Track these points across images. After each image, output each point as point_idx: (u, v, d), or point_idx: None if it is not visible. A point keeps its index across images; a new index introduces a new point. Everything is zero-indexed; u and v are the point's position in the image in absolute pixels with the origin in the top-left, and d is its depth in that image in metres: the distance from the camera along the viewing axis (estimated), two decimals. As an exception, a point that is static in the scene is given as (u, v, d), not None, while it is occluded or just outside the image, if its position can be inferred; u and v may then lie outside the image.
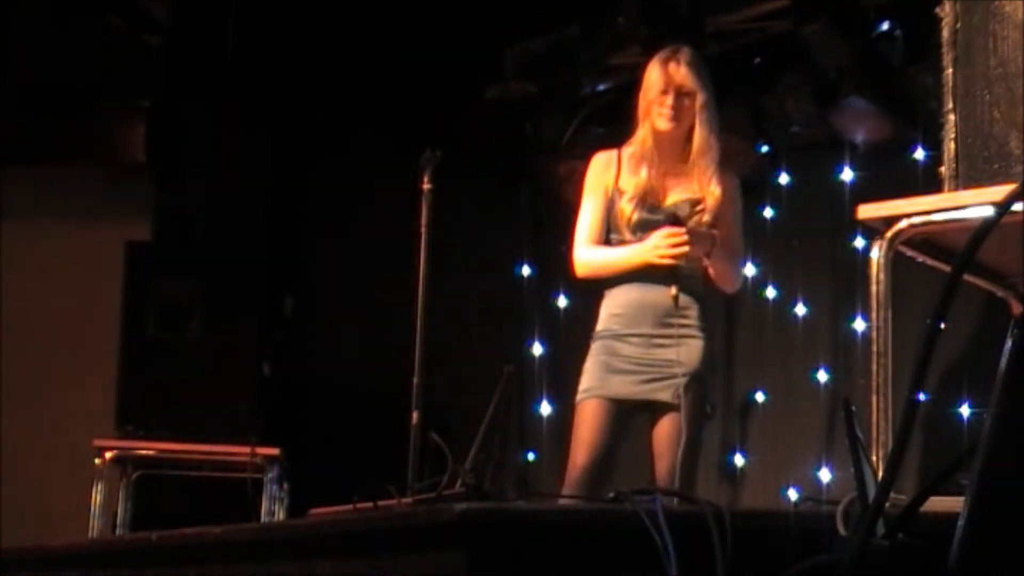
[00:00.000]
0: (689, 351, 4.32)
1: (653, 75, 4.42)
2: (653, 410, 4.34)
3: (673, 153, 4.43)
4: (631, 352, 4.35)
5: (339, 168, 7.06)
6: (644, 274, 4.38)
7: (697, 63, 4.42)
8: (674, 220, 4.33)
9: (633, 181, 4.42)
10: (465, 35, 6.76)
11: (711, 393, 4.41)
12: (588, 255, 4.45)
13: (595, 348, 4.43)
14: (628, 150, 4.48)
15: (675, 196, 4.40)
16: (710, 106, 4.39)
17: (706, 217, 4.36)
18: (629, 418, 4.38)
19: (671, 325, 4.32)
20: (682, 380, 4.28)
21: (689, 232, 4.29)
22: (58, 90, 6.86)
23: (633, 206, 4.40)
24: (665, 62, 4.40)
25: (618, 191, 4.44)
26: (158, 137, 7.12)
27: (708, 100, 4.38)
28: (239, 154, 7.11)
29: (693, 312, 4.37)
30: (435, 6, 6.89)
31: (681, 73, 4.37)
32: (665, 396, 4.29)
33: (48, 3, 6.69)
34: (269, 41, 7.26)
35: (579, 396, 4.41)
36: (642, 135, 4.43)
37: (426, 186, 4.66)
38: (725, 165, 4.48)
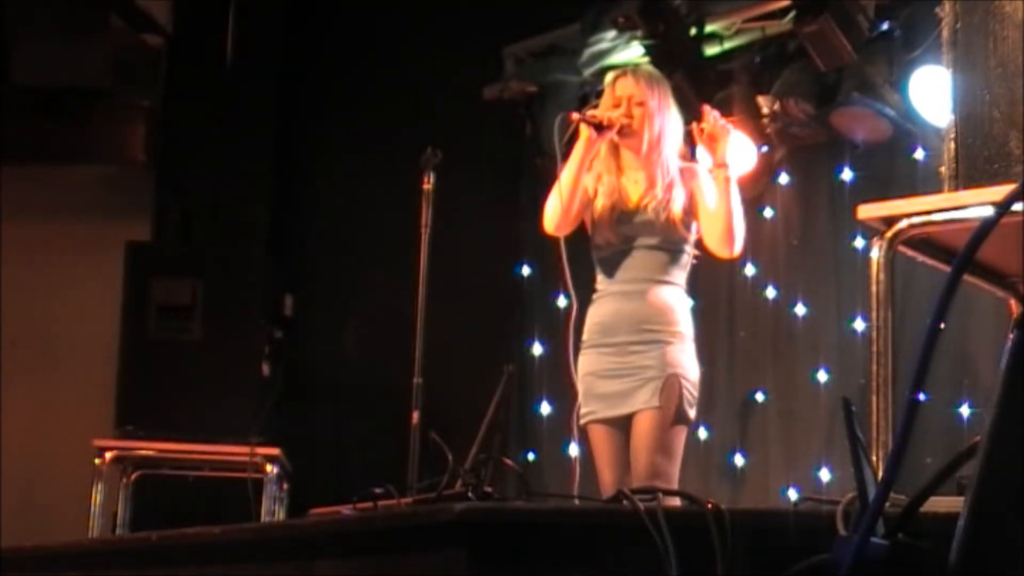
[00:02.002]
0: (663, 355, 4.32)
1: (607, 89, 4.53)
2: (636, 413, 4.35)
3: (636, 160, 4.47)
4: (608, 363, 4.39)
5: (339, 168, 7.06)
6: (623, 282, 4.42)
7: (650, 78, 4.52)
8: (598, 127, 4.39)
9: (603, 190, 4.48)
10: (465, 35, 6.76)
11: (691, 398, 4.34)
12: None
13: (580, 363, 4.46)
14: (594, 163, 4.53)
15: (633, 198, 4.44)
16: (658, 114, 4.44)
17: (675, 209, 4.37)
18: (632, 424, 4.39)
19: (647, 331, 4.35)
20: (656, 382, 4.29)
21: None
22: (58, 90, 6.86)
23: (608, 210, 4.45)
24: (618, 78, 4.51)
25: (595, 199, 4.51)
26: (158, 137, 7.12)
27: (656, 109, 4.44)
28: (239, 154, 7.11)
29: (669, 318, 4.38)
30: (435, 6, 6.89)
31: (630, 85, 4.47)
32: (641, 398, 4.30)
33: (49, 4, 6.69)
34: (269, 41, 7.26)
35: (582, 418, 4.45)
36: (601, 147, 4.49)
37: (426, 186, 4.66)
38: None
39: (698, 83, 5.99)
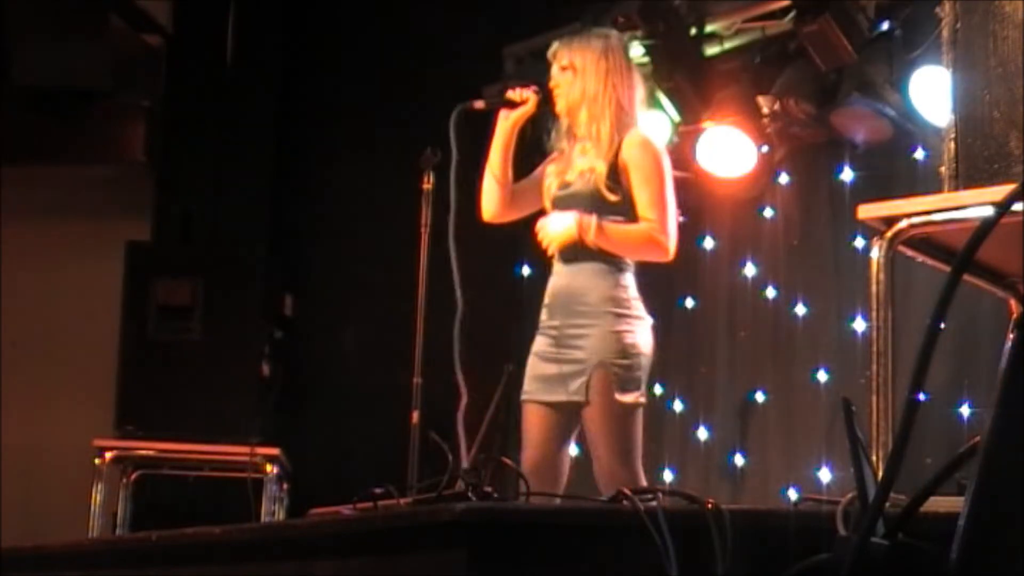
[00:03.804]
0: (594, 341, 4.21)
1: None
2: (579, 407, 4.26)
3: (575, 129, 4.41)
4: (549, 346, 4.33)
5: (339, 168, 7.05)
6: (558, 260, 4.36)
7: (581, 41, 4.43)
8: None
9: (554, 166, 4.45)
10: (465, 35, 6.76)
11: (623, 383, 4.19)
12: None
13: (534, 342, 4.42)
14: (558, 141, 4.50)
15: (574, 171, 4.36)
16: (581, 75, 4.36)
17: (601, 175, 4.26)
18: (569, 417, 4.31)
19: (578, 313, 4.26)
20: (586, 373, 4.20)
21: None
22: (58, 90, 6.86)
23: (550, 183, 4.42)
24: (552, 50, 4.46)
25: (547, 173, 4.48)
26: (158, 137, 7.12)
27: (579, 71, 4.36)
28: (239, 154, 7.11)
29: (599, 297, 4.25)
30: (435, 6, 6.89)
31: (557, 53, 4.42)
32: (571, 388, 4.22)
33: (49, 3, 6.69)
34: (269, 41, 7.26)
35: (522, 395, 4.40)
36: (562, 121, 4.45)
37: (426, 186, 4.66)
38: (637, 132, 4.37)
39: (698, 83, 5.99)
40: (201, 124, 7.08)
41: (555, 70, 4.45)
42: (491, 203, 4.45)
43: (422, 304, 4.48)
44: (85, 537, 5.77)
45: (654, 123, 6.21)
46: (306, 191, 7.19)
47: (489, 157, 4.43)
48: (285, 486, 6.20)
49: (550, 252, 4.37)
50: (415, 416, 4.39)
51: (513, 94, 4.40)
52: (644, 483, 4.20)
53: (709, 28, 6.01)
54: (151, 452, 6.08)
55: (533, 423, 4.35)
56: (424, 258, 4.50)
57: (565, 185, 4.37)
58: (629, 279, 4.33)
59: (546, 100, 4.41)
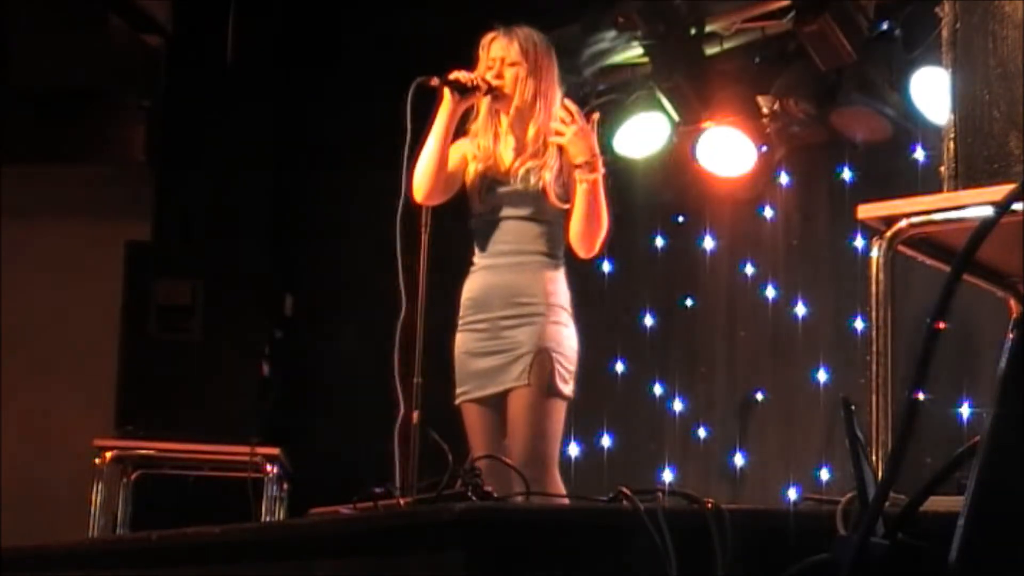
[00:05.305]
0: (535, 331, 4.24)
1: (481, 51, 4.45)
2: (509, 392, 4.29)
3: (511, 125, 4.41)
4: (481, 341, 4.33)
5: (339, 168, 7.05)
6: (493, 255, 4.37)
7: (526, 39, 4.43)
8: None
9: (478, 155, 4.42)
10: (465, 35, 6.75)
11: (564, 373, 4.26)
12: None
13: (456, 340, 4.42)
14: (472, 127, 4.47)
15: (503, 165, 4.35)
16: (532, 76, 4.37)
17: (547, 178, 4.28)
18: (502, 411, 4.33)
19: (518, 305, 4.28)
20: (527, 358, 4.22)
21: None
22: (58, 90, 6.85)
23: (479, 177, 4.40)
24: (492, 39, 4.44)
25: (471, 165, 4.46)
26: (158, 137, 7.12)
27: (529, 70, 4.37)
28: (239, 154, 7.10)
29: (541, 290, 4.28)
30: (435, 5, 6.89)
31: (503, 46, 4.40)
32: (512, 375, 4.25)
33: (49, 3, 6.69)
34: (269, 41, 7.26)
35: (456, 398, 4.41)
36: (481, 109, 4.43)
37: (426, 186, 4.65)
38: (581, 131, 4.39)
39: (698, 83, 5.99)
40: (201, 124, 7.07)
41: (493, 60, 4.40)
42: (427, 184, 4.38)
43: (422, 304, 4.48)
44: (85, 537, 5.76)
45: (652, 124, 6.22)
46: (306, 191, 7.18)
47: (430, 138, 4.36)
48: (285, 486, 6.19)
49: (562, 139, 4.27)
50: (415, 416, 4.39)
51: (463, 76, 4.34)
52: (558, 479, 4.22)
53: (709, 28, 6.02)
54: (151, 452, 6.07)
55: (475, 422, 4.37)
56: (424, 258, 4.50)
57: (497, 180, 4.37)
58: (563, 276, 4.37)
59: (490, 90, 4.36)
